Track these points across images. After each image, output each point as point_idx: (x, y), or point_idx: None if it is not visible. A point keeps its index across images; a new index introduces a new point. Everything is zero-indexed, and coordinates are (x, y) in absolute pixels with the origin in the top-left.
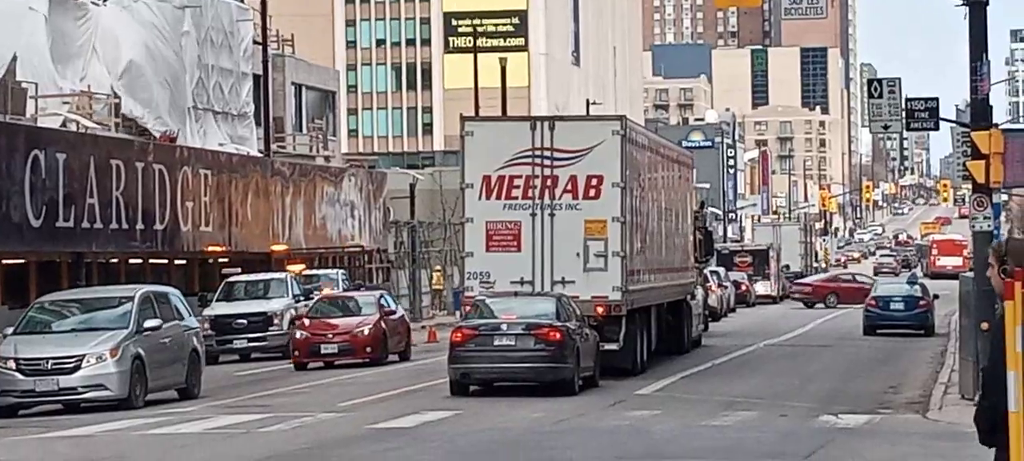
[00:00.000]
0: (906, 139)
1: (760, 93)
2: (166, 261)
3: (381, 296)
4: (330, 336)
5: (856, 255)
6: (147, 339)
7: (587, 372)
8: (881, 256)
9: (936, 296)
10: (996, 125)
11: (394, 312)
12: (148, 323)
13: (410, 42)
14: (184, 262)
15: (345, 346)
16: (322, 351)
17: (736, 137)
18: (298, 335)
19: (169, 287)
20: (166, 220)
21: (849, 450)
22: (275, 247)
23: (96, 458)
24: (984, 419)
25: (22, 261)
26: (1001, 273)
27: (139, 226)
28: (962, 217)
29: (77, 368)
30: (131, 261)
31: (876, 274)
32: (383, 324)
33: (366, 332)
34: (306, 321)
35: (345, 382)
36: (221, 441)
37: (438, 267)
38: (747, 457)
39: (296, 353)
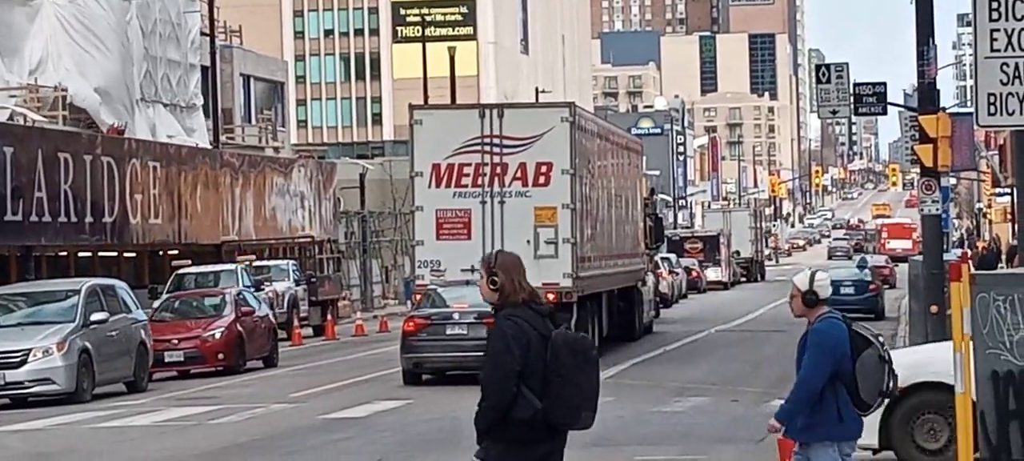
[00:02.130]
0: (855, 124)
1: (709, 80)
2: (116, 254)
3: (239, 293)
4: (175, 341)
5: (801, 242)
6: (94, 332)
7: None
8: (834, 240)
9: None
10: (943, 109)
11: (253, 311)
12: (95, 316)
13: (359, 32)
14: (134, 255)
15: (192, 353)
16: (166, 359)
17: (685, 124)
18: None
19: (117, 280)
20: (115, 213)
21: None
22: (225, 238)
23: (48, 452)
24: (482, 420)
25: None
26: (490, 284)
27: (88, 219)
28: (909, 206)
29: (23, 362)
30: (80, 254)
31: (830, 258)
32: (238, 327)
33: (217, 336)
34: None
35: (295, 373)
36: (173, 434)
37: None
38: (699, 443)
39: None
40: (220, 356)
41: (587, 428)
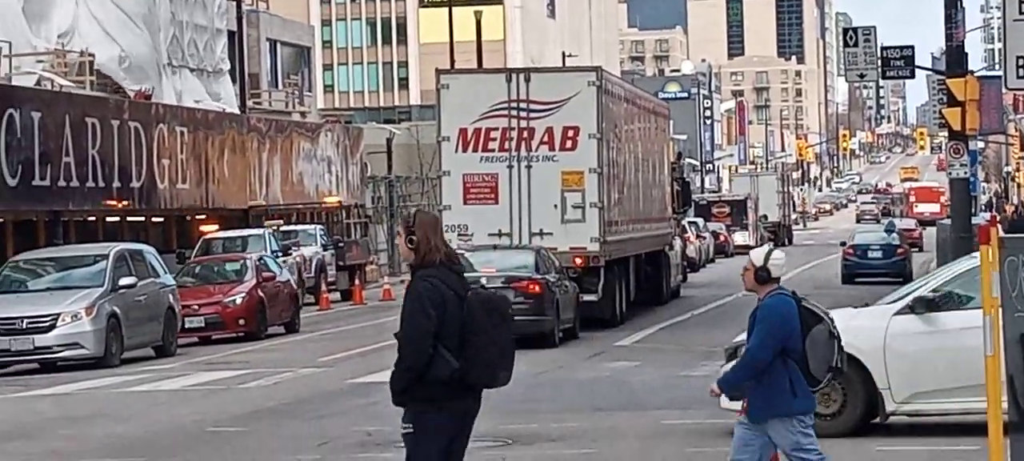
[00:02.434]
0: (882, 88)
1: (736, 44)
2: (143, 219)
3: (260, 258)
4: (196, 307)
5: (828, 206)
6: (122, 297)
7: (567, 324)
8: (862, 203)
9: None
10: (971, 72)
11: (274, 277)
12: (123, 281)
13: None
14: (162, 220)
15: (213, 318)
16: (187, 325)
17: (712, 88)
18: None
19: (145, 245)
20: (143, 178)
21: None
22: (252, 203)
23: (77, 416)
24: (398, 381)
25: None
26: (408, 242)
27: (116, 184)
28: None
29: (52, 327)
30: (108, 219)
31: (858, 221)
32: (259, 292)
33: (238, 302)
34: None
35: (323, 337)
36: (202, 398)
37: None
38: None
39: None
40: (241, 322)
41: (504, 385)
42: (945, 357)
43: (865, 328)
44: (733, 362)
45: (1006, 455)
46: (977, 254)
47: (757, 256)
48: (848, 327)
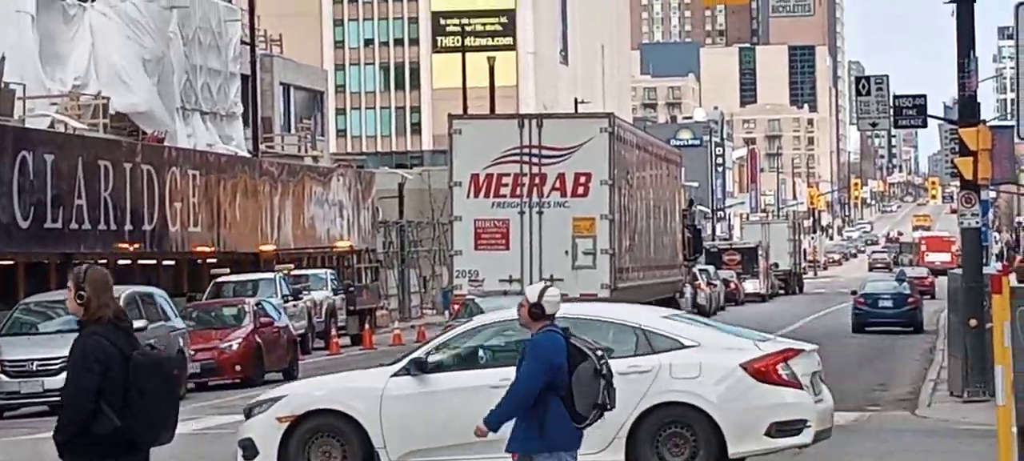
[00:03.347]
0: (894, 137)
1: (748, 91)
2: (155, 262)
3: (258, 303)
4: (192, 352)
5: (837, 257)
6: None
7: None
8: (873, 253)
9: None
10: (984, 122)
11: (272, 322)
12: (134, 324)
13: (398, 42)
14: (173, 262)
15: (209, 364)
16: None
17: (724, 135)
18: None
19: (155, 288)
20: (155, 221)
21: (839, 447)
22: (264, 247)
23: None
24: (61, 434)
25: (10, 262)
26: (77, 298)
27: (127, 227)
28: (952, 212)
29: (62, 369)
30: (120, 262)
31: (870, 270)
32: (256, 338)
33: (234, 348)
34: None
35: None
36: (211, 441)
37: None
38: None
39: None
40: (237, 368)
41: (167, 443)
42: (436, 416)
43: (361, 389)
44: (495, 409)
45: None
46: (480, 316)
47: (532, 292)
48: (345, 387)
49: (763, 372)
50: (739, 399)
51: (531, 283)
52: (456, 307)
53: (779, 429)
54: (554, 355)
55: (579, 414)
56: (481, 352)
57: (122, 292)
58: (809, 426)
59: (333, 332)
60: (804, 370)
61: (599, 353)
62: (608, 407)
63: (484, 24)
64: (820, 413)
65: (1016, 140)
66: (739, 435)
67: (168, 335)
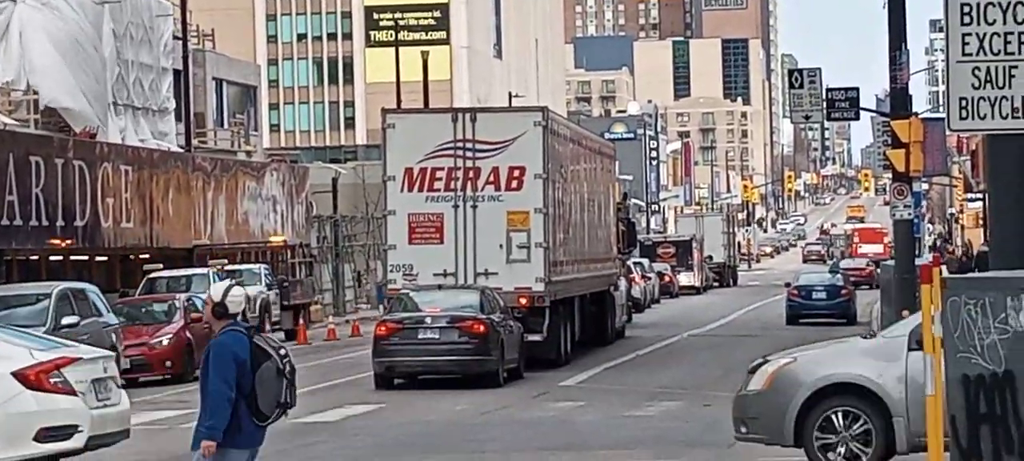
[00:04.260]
0: (827, 129)
1: (682, 85)
2: (87, 258)
3: (189, 299)
4: (121, 348)
5: (768, 249)
6: (65, 336)
7: (511, 364)
8: (807, 245)
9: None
10: (916, 114)
11: (202, 317)
12: (66, 320)
13: (331, 36)
14: (105, 258)
15: (139, 360)
16: None
17: (658, 129)
18: None
19: (88, 284)
20: (87, 216)
21: None
22: (197, 242)
23: None
24: None
25: None
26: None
27: (60, 223)
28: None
29: None
30: (52, 258)
31: (805, 261)
32: (187, 334)
33: (164, 343)
34: None
35: None
36: (144, 438)
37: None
38: (671, 447)
39: None
40: (167, 364)
41: None
42: None
43: None
44: (208, 422)
45: None
46: None
47: (216, 292)
48: None
49: (32, 380)
50: (6, 405)
51: (466, 277)
52: (390, 301)
53: (47, 434)
54: (239, 351)
55: (262, 412)
56: None
57: (54, 288)
58: (81, 431)
59: (267, 327)
60: (81, 377)
61: (282, 352)
62: (290, 405)
63: (417, 19)
64: (97, 418)
65: (947, 132)
66: (9, 441)
67: (100, 331)
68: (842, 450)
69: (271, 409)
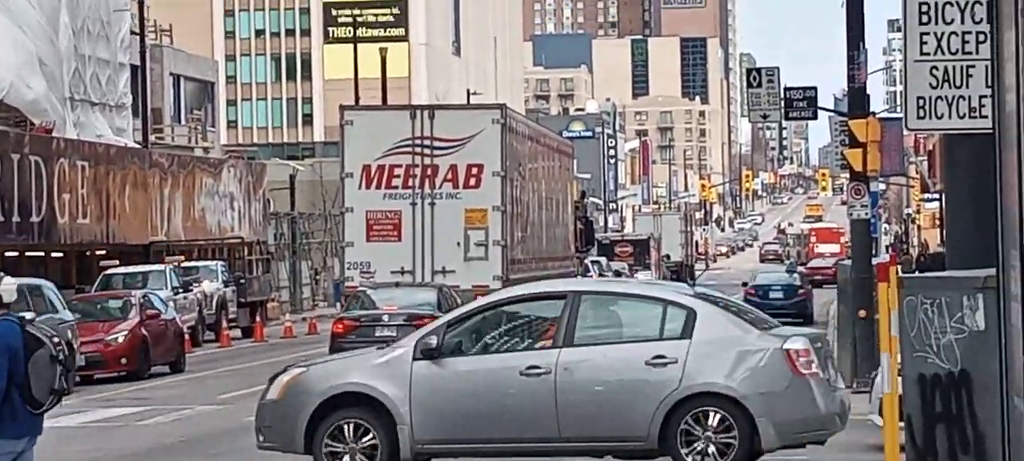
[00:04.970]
0: (785, 129)
1: (640, 83)
2: (43, 254)
3: (145, 296)
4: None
5: (724, 250)
6: None
7: None
8: (765, 245)
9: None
10: (873, 114)
11: (159, 314)
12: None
13: (289, 32)
14: (61, 255)
15: (94, 357)
16: None
17: (617, 127)
18: None
19: (44, 280)
20: (43, 212)
21: None
22: (153, 239)
23: None
24: None
25: None
26: None
27: (15, 218)
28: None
29: None
30: (7, 254)
31: (762, 261)
32: (143, 331)
33: (120, 340)
34: None
35: (222, 375)
36: (100, 434)
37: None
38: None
39: None
40: (123, 360)
41: None
42: None
43: None
44: None
45: None
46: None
47: None
48: None
49: None
50: None
51: (424, 275)
52: (348, 299)
53: None
54: (11, 340)
55: (36, 399)
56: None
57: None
58: None
59: (224, 324)
60: None
61: (56, 340)
62: (66, 392)
63: (376, 15)
64: None
65: (905, 132)
66: None
67: (56, 327)
68: (347, 459)
69: (45, 396)
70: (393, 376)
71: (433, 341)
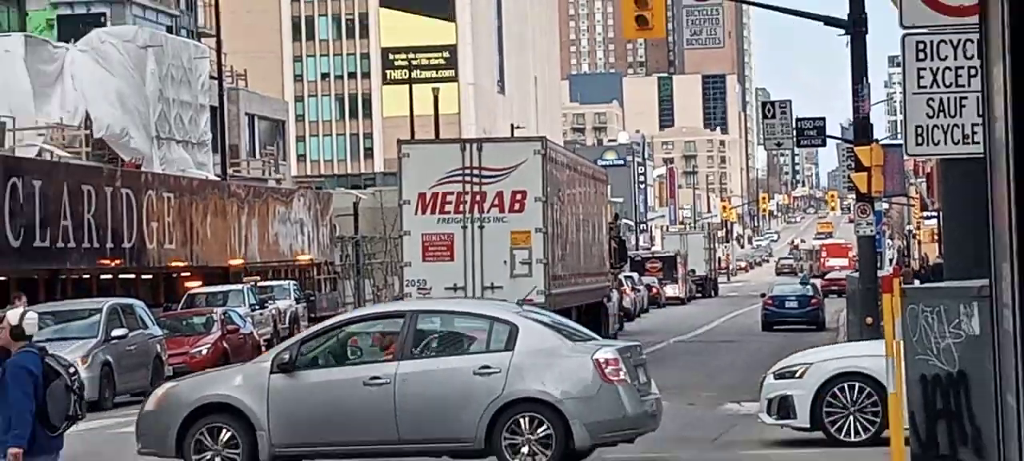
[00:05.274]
0: (797, 155)
1: (667, 116)
2: (134, 276)
3: (225, 313)
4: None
5: (743, 264)
6: (115, 347)
7: None
8: (781, 259)
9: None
10: (877, 141)
11: (238, 329)
12: (115, 332)
13: (352, 75)
14: (150, 276)
15: (181, 368)
16: None
17: (645, 156)
18: None
19: (135, 299)
20: (133, 239)
21: (751, 433)
22: (232, 261)
23: (73, 454)
24: None
25: (4, 278)
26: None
27: (109, 245)
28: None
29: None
30: (102, 276)
31: (778, 274)
32: (224, 344)
33: (203, 353)
34: None
35: None
36: None
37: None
38: (660, 443)
39: None
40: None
41: None
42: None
43: None
44: (15, 431)
45: None
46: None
47: (13, 317)
48: None
49: None
50: None
51: (474, 291)
52: None
53: None
54: (34, 368)
55: (53, 424)
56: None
57: (105, 304)
58: None
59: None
60: None
61: (72, 371)
62: (79, 417)
63: (428, 59)
64: None
65: (905, 157)
66: None
67: (146, 342)
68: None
69: (60, 421)
70: (253, 388)
71: (287, 356)
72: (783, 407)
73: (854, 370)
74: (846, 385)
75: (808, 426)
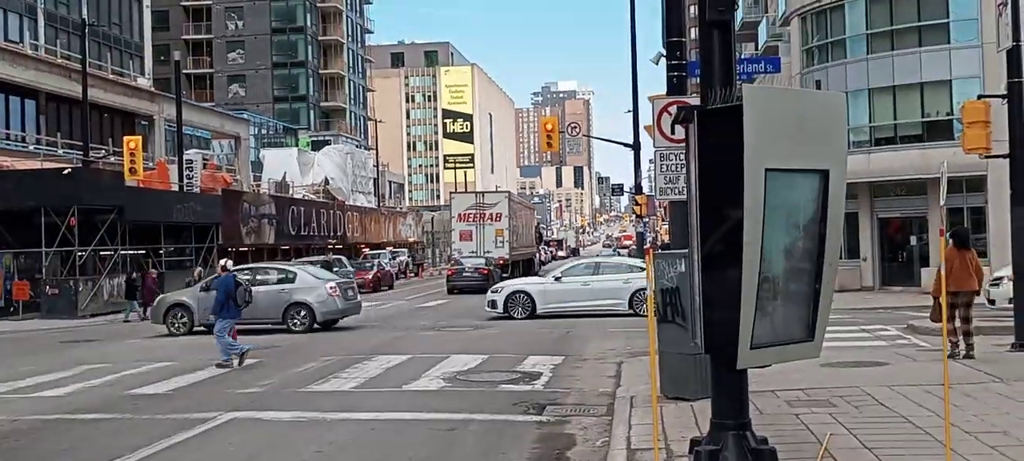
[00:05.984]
0: (616, 199)
1: (559, 182)
2: (341, 247)
3: (378, 261)
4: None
5: (588, 245)
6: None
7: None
8: (604, 243)
9: None
10: (645, 194)
11: (384, 268)
12: (334, 270)
13: (433, 166)
14: (342, 247)
15: (360, 283)
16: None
17: (551, 198)
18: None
19: (343, 256)
20: (340, 232)
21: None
22: (381, 240)
23: (366, 317)
24: None
25: (287, 248)
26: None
27: (330, 235)
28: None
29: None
30: (329, 247)
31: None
32: (378, 274)
33: (369, 277)
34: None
35: (407, 291)
36: (367, 309)
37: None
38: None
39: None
40: (371, 286)
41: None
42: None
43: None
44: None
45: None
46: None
47: (225, 263)
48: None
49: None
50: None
51: (481, 254)
52: (452, 263)
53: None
54: (229, 283)
55: (239, 306)
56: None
57: (326, 258)
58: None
59: (408, 273)
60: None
61: (246, 287)
62: (248, 301)
63: (462, 160)
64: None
65: (656, 199)
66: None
67: (347, 274)
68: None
69: (242, 302)
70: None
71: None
72: (492, 305)
73: (521, 289)
74: (519, 294)
75: (502, 312)
